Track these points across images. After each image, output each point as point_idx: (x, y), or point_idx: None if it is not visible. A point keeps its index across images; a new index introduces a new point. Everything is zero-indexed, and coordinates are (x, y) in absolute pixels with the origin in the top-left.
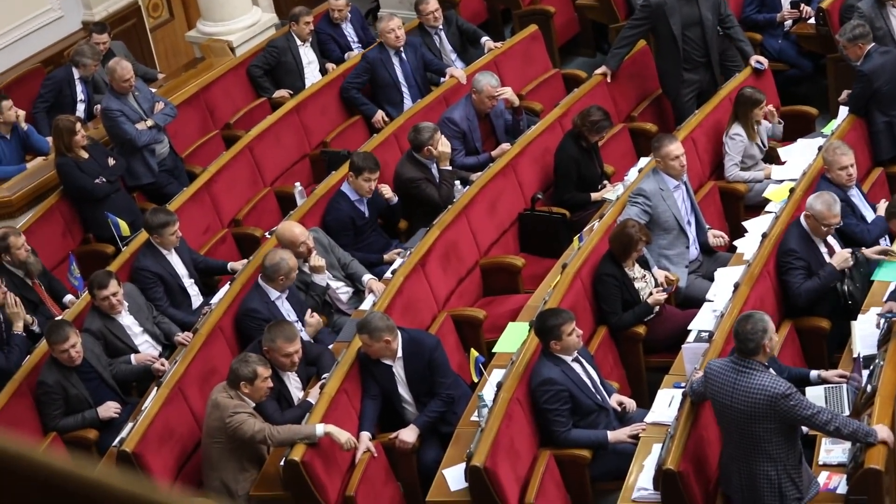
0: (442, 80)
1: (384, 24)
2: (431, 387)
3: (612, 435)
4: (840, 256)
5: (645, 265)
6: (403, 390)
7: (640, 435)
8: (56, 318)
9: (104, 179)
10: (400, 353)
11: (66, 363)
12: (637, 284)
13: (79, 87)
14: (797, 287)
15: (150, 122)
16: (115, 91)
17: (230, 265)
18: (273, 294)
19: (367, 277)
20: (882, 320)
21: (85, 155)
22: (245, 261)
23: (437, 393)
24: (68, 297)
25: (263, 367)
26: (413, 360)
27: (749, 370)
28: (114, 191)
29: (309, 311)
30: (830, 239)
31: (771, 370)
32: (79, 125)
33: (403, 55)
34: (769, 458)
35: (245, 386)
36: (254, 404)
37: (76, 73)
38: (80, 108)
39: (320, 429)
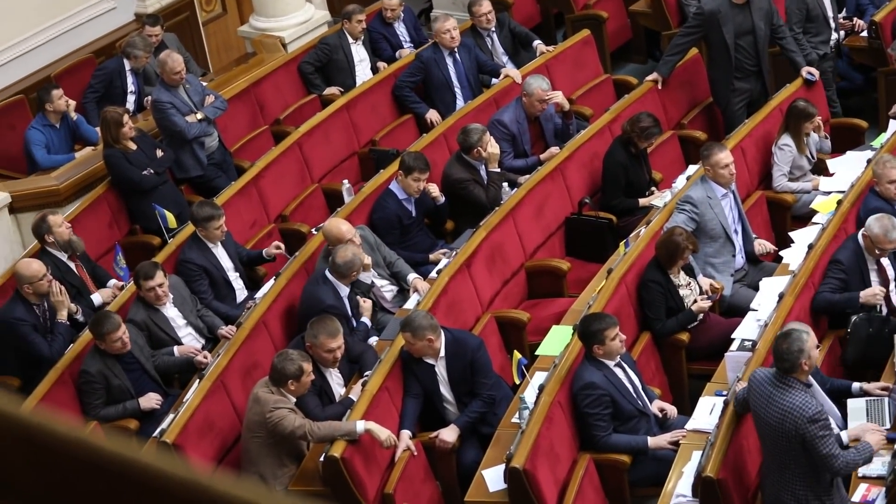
0: (494, 81)
1: (440, 25)
2: (473, 387)
3: (653, 441)
4: (870, 291)
5: (690, 273)
6: (445, 390)
7: (680, 442)
8: (102, 310)
9: (152, 171)
10: (443, 353)
11: (116, 352)
12: (682, 292)
13: (129, 79)
14: (819, 293)
15: (199, 115)
16: (166, 83)
17: (265, 252)
18: (343, 290)
19: (412, 276)
20: None
21: (133, 146)
22: (277, 243)
23: (478, 393)
24: (112, 282)
25: (307, 363)
26: (455, 360)
27: (785, 387)
28: (161, 183)
29: (359, 298)
30: (884, 260)
31: (814, 386)
32: (126, 117)
33: (457, 56)
34: (798, 477)
35: (292, 383)
36: (294, 400)
37: (127, 65)
38: (131, 100)
39: (361, 426)
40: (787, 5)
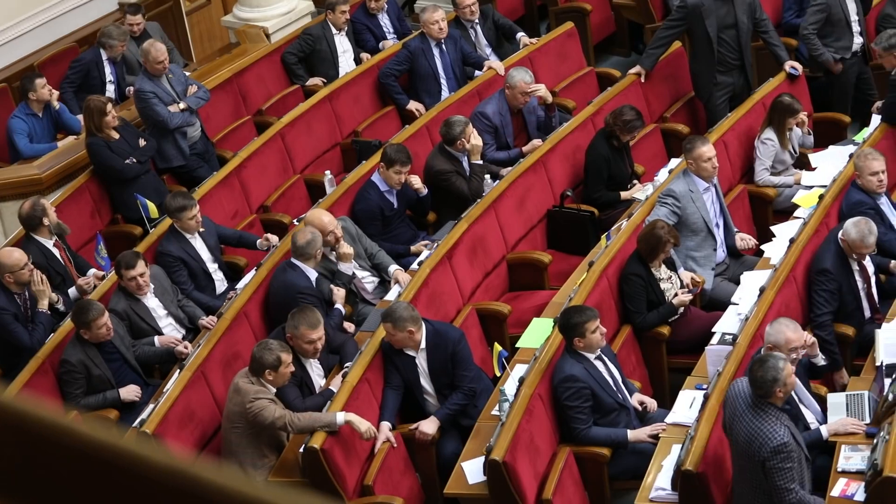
0: (478, 73)
1: (428, 15)
2: (453, 379)
3: (632, 434)
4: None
5: (671, 266)
6: (425, 382)
7: (659, 435)
8: (83, 299)
9: (134, 160)
10: (423, 345)
11: (102, 339)
12: (663, 285)
13: (107, 69)
14: (821, 313)
15: (182, 105)
16: (149, 72)
17: (259, 243)
18: (311, 273)
19: (394, 268)
20: None
21: (116, 135)
22: (268, 235)
23: (458, 386)
24: (92, 271)
25: (286, 354)
26: (436, 352)
27: (758, 410)
28: (144, 172)
29: (332, 286)
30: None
31: (792, 404)
32: (109, 106)
33: (444, 47)
34: (761, 496)
35: (270, 373)
36: (275, 390)
37: (104, 55)
38: (110, 89)
39: (341, 417)
40: (807, 6)
